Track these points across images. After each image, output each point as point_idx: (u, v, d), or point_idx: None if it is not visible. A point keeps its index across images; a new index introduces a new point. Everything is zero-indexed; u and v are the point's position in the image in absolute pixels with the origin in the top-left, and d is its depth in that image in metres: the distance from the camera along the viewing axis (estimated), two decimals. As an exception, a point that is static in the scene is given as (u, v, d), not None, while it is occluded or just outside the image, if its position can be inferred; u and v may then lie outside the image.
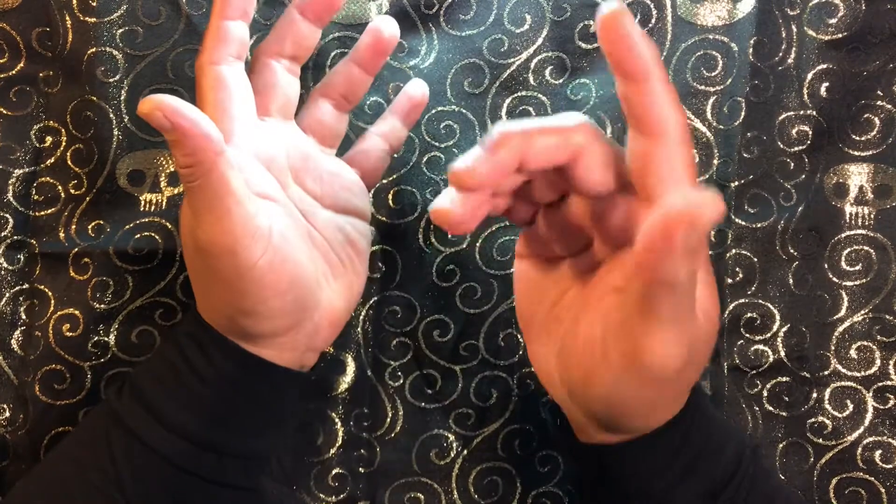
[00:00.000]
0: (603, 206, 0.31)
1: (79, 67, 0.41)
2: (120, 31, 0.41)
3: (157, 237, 0.41)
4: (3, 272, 0.42)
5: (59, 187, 0.42)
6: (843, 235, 0.41)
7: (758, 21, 0.41)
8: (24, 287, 0.42)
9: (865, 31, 0.41)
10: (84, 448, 0.35)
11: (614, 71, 0.29)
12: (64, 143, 0.42)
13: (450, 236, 0.42)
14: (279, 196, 0.35)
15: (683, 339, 0.28)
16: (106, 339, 0.41)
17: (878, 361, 0.41)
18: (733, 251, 0.41)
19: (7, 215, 0.42)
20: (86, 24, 0.41)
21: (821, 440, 0.41)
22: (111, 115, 0.41)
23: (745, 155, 0.41)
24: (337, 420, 0.42)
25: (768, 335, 0.41)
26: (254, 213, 0.32)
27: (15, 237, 0.42)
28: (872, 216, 0.41)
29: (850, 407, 0.41)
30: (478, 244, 0.42)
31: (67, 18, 0.41)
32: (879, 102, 0.41)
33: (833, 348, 0.41)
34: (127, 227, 0.41)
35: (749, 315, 0.41)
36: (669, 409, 0.31)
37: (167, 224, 0.41)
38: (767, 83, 0.41)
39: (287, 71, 0.36)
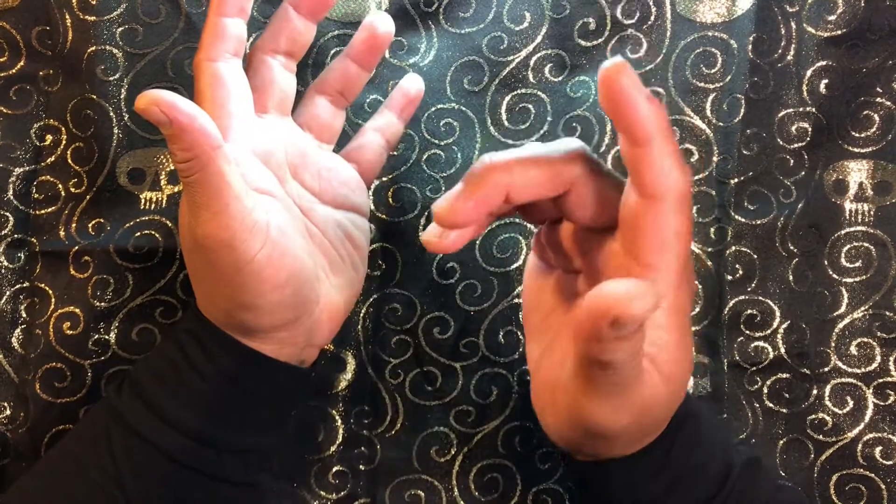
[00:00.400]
0: (591, 240, 0.31)
1: (79, 66, 0.41)
2: (120, 29, 0.41)
3: (157, 235, 0.41)
4: (3, 270, 0.42)
5: (60, 186, 0.42)
6: (842, 232, 0.41)
7: (757, 18, 0.41)
8: (24, 285, 0.42)
9: (864, 27, 0.41)
10: (84, 445, 0.35)
11: (617, 129, 0.28)
12: (64, 142, 0.42)
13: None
14: (277, 191, 0.35)
15: (626, 407, 0.28)
16: (106, 337, 0.41)
17: (878, 358, 0.41)
18: (733, 248, 0.41)
19: (7, 214, 0.42)
20: (86, 22, 0.41)
21: (821, 437, 0.41)
22: (111, 114, 0.41)
23: (744, 152, 0.41)
24: (337, 418, 0.42)
25: (768, 332, 0.41)
26: (251, 208, 0.32)
27: (15, 235, 0.42)
28: (872, 213, 0.41)
29: (851, 403, 0.41)
30: (478, 242, 0.42)
31: (67, 17, 0.41)
32: (879, 99, 0.41)
33: (833, 345, 0.41)
34: (127, 225, 0.41)
35: (749, 312, 0.41)
36: (637, 442, 0.31)
37: (167, 222, 0.42)
38: (767, 80, 0.41)
39: (283, 67, 0.37)
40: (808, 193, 0.42)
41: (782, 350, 0.41)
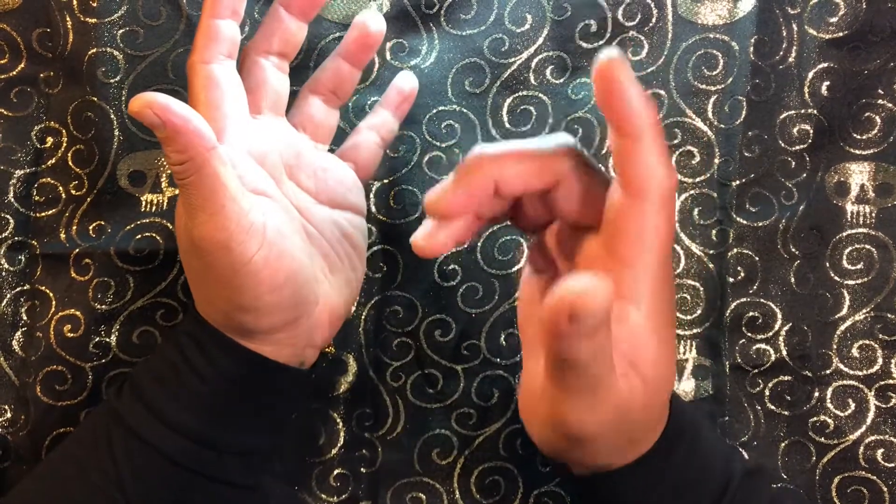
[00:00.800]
0: (579, 243, 0.31)
1: (79, 68, 0.41)
2: (120, 31, 0.41)
3: (158, 238, 0.41)
4: (4, 273, 0.42)
5: (60, 188, 0.42)
6: (844, 234, 0.41)
7: (758, 20, 0.41)
8: (25, 288, 0.42)
9: (866, 29, 0.41)
10: (85, 448, 0.35)
11: (608, 122, 0.28)
12: (65, 144, 0.42)
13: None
14: (273, 192, 0.35)
15: (600, 408, 0.28)
16: (107, 339, 0.41)
17: (879, 360, 0.41)
18: (735, 250, 0.41)
19: (8, 216, 0.42)
20: (86, 24, 0.41)
21: (823, 439, 0.41)
22: (112, 116, 0.41)
23: (746, 154, 0.41)
24: (338, 420, 0.42)
25: (770, 334, 0.41)
26: (248, 209, 0.32)
27: (16, 238, 0.42)
28: (874, 215, 0.41)
29: (852, 406, 0.41)
30: (479, 244, 0.42)
31: (68, 19, 0.41)
32: (880, 101, 0.41)
33: (835, 347, 0.41)
34: (128, 227, 0.41)
35: (751, 314, 0.41)
36: (625, 449, 0.31)
37: (168, 224, 0.41)
38: (768, 82, 0.41)
39: (276, 68, 0.37)
40: (810, 195, 0.42)
41: (784, 352, 0.41)
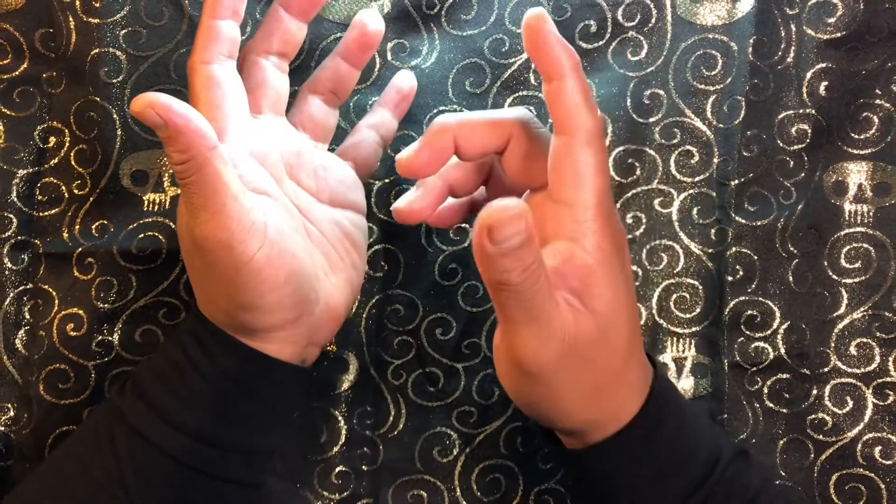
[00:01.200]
0: (540, 206, 0.33)
1: (82, 68, 0.41)
2: (123, 31, 0.42)
3: (160, 237, 0.42)
4: (7, 272, 0.42)
5: (63, 187, 0.42)
6: (842, 233, 0.42)
7: (757, 20, 0.41)
8: (28, 287, 0.42)
9: (864, 30, 0.41)
10: (88, 446, 0.35)
11: (537, 68, 0.32)
12: (67, 144, 0.42)
13: (451, 235, 0.43)
14: (274, 191, 0.35)
15: (547, 336, 0.30)
16: (110, 338, 0.41)
17: (877, 358, 0.41)
18: (733, 249, 0.41)
19: (11, 215, 0.42)
20: (89, 25, 0.41)
21: (821, 437, 0.41)
22: (114, 116, 0.41)
23: (744, 153, 0.42)
24: (340, 418, 0.42)
25: (768, 332, 0.41)
26: (249, 208, 0.32)
27: (19, 237, 0.42)
28: (871, 214, 0.42)
29: (850, 403, 0.41)
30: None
31: (71, 19, 0.41)
32: (878, 101, 0.42)
33: (833, 345, 0.41)
34: (130, 226, 0.42)
35: (749, 312, 0.41)
36: (593, 395, 0.32)
37: (170, 224, 0.42)
38: (767, 82, 0.42)
39: (276, 68, 0.37)
40: (808, 195, 0.42)
41: (782, 350, 0.41)
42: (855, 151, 0.42)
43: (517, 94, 0.43)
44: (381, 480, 0.42)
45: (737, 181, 0.41)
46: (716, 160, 0.42)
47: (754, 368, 0.41)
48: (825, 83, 0.42)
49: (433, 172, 0.34)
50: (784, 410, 0.41)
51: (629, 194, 0.42)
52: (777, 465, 0.41)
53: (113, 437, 0.34)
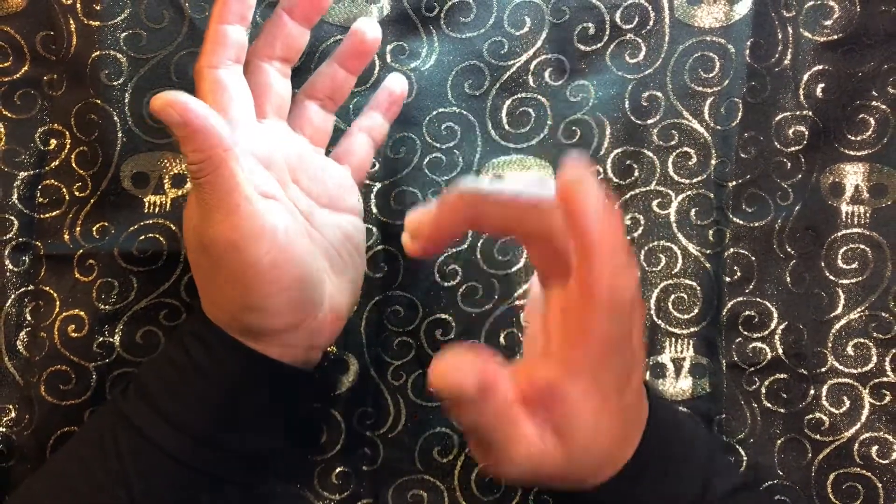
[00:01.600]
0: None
1: (83, 71, 0.42)
2: (124, 34, 0.42)
3: (161, 239, 0.42)
4: (8, 274, 0.42)
5: (64, 189, 0.42)
6: (839, 234, 0.42)
7: (754, 23, 0.42)
8: (29, 288, 0.42)
9: (860, 32, 0.41)
10: (90, 447, 0.35)
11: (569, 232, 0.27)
12: (68, 146, 0.43)
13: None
14: (280, 195, 0.35)
15: (514, 461, 0.29)
16: (111, 339, 0.41)
17: (874, 358, 0.41)
18: (731, 250, 0.42)
19: (12, 217, 0.42)
20: (90, 27, 0.41)
21: (818, 436, 0.41)
22: (115, 118, 0.42)
23: (742, 155, 0.42)
24: (340, 419, 0.42)
25: (766, 333, 0.41)
26: (260, 211, 0.32)
27: (20, 239, 0.42)
28: (868, 215, 0.42)
29: (847, 403, 0.41)
30: (479, 244, 0.42)
31: (71, 22, 0.42)
32: (874, 103, 0.42)
33: (830, 345, 0.41)
34: (131, 228, 0.42)
35: (747, 313, 0.42)
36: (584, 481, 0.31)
37: (171, 226, 0.42)
38: (764, 84, 0.42)
39: (279, 73, 0.37)
40: (805, 196, 0.42)
41: (780, 351, 0.41)
42: (852, 153, 0.42)
43: (516, 96, 0.43)
44: (381, 480, 0.42)
45: (734, 183, 0.42)
46: (713, 162, 0.42)
47: (752, 369, 0.41)
48: (822, 85, 0.42)
49: (441, 245, 0.31)
50: (782, 410, 0.41)
51: (627, 196, 0.42)
52: (775, 465, 0.41)
53: (115, 438, 0.34)
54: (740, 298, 0.42)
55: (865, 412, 0.41)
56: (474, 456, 0.30)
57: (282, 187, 0.36)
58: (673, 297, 0.42)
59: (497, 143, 0.43)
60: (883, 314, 0.41)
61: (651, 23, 0.43)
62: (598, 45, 0.43)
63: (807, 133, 0.42)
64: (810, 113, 0.42)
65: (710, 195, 0.42)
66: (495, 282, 0.42)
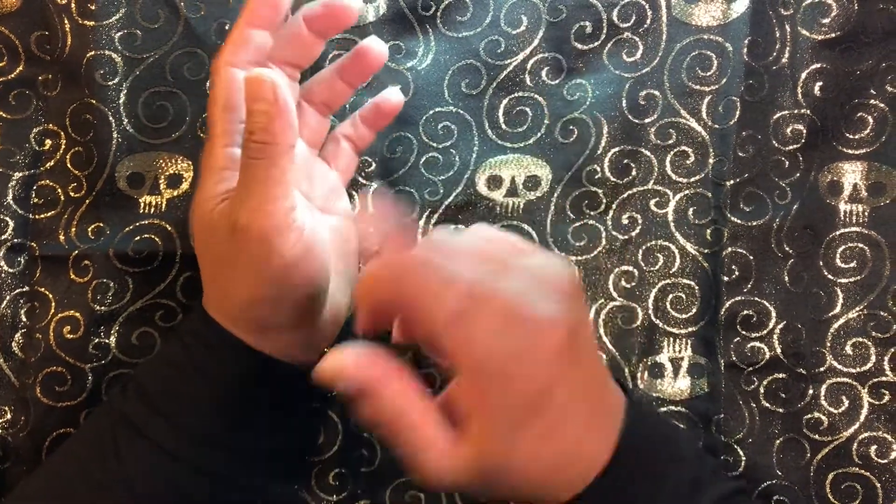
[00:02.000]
0: None
1: (78, 71, 0.42)
2: (118, 34, 0.42)
3: (156, 239, 0.42)
4: (3, 275, 0.42)
5: (59, 190, 0.42)
6: (837, 233, 0.42)
7: (752, 21, 0.41)
8: (24, 290, 0.42)
9: (858, 30, 0.41)
10: (89, 447, 0.35)
11: None
12: (63, 146, 0.42)
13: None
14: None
15: (434, 467, 0.29)
16: (107, 340, 0.41)
17: (873, 357, 0.41)
18: (729, 249, 0.42)
19: (7, 218, 0.42)
20: (84, 27, 0.41)
21: (817, 436, 0.41)
22: (110, 118, 0.41)
23: (740, 154, 0.42)
24: (337, 420, 0.42)
25: (764, 332, 0.41)
26: (295, 207, 0.33)
27: (15, 240, 0.42)
28: (866, 214, 0.42)
29: (846, 403, 0.41)
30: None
31: (66, 22, 0.41)
32: (872, 101, 0.42)
33: (828, 345, 0.41)
34: (127, 229, 0.42)
35: (745, 312, 0.41)
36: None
37: (167, 226, 0.42)
38: (762, 82, 0.42)
39: (289, 77, 0.37)
40: (803, 195, 0.42)
41: (778, 350, 0.41)
42: (850, 151, 0.42)
43: (513, 96, 0.43)
44: (379, 482, 0.42)
45: (732, 181, 0.42)
46: (711, 161, 0.42)
47: (750, 368, 0.41)
48: (820, 83, 0.42)
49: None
50: (780, 410, 0.41)
51: (625, 195, 0.42)
52: (773, 465, 0.41)
53: (115, 439, 0.34)
54: (738, 298, 0.42)
55: (864, 412, 0.41)
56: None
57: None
58: (671, 296, 0.42)
59: (494, 142, 0.43)
60: (882, 313, 0.41)
61: (648, 21, 0.42)
62: (596, 43, 0.43)
63: (805, 131, 0.42)
64: (808, 111, 0.42)
65: (707, 194, 0.42)
66: (492, 282, 0.42)
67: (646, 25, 0.42)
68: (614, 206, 0.42)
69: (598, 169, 0.42)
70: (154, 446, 0.33)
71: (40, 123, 0.43)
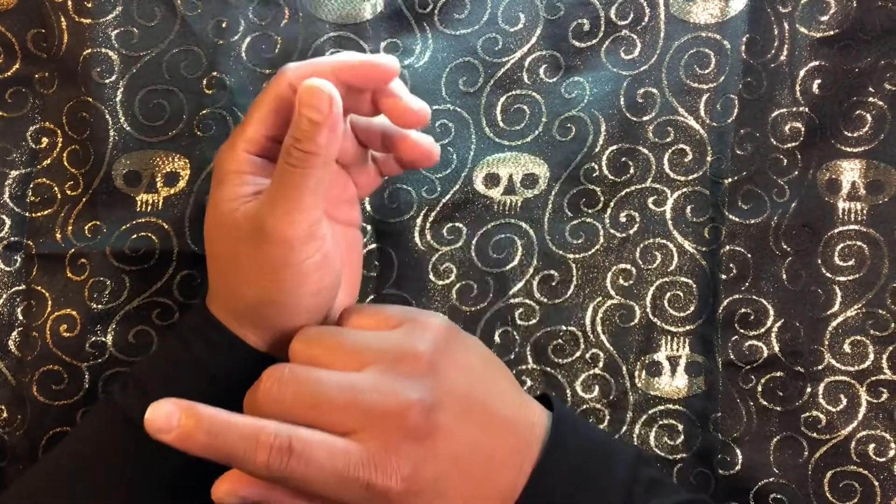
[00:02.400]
0: None
1: (74, 68, 0.41)
2: (115, 32, 0.41)
3: (153, 237, 0.41)
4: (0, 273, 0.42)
5: (56, 188, 0.42)
6: (835, 231, 0.42)
7: (750, 19, 0.41)
8: (20, 288, 0.42)
9: (857, 28, 0.41)
10: (88, 444, 0.35)
11: None
12: (60, 144, 0.42)
13: (445, 234, 0.42)
14: None
15: None
16: (103, 339, 0.41)
17: (871, 356, 0.41)
18: (727, 247, 0.41)
19: (3, 216, 0.42)
20: (81, 25, 0.41)
21: (815, 434, 0.41)
22: (107, 116, 0.41)
23: (738, 152, 0.42)
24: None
25: (762, 330, 0.41)
26: (321, 219, 0.33)
27: (12, 238, 0.42)
28: (865, 212, 0.42)
29: (844, 401, 0.41)
30: (473, 242, 0.42)
31: (62, 20, 0.41)
32: (871, 99, 0.42)
33: (826, 343, 0.41)
34: (123, 227, 0.42)
35: (743, 311, 0.41)
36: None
37: (163, 224, 0.42)
38: (760, 80, 0.42)
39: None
40: (802, 193, 0.42)
41: (776, 348, 0.41)
42: (848, 149, 0.42)
43: (511, 93, 0.43)
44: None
45: (730, 179, 0.42)
46: (709, 158, 0.42)
47: (748, 366, 0.41)
48: (818, 81, 0.42)
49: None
50: (778, 408, 0.41)
51: (623, 193, 0.42)
52: (771, 463, 0.41)
53: (114, 436, 0.34)
54: (736, 296, 0.41)
55: (862, 410, 0.41)
56: None
57: None
58: (669, 294, 0.42)
59: (491, 140, 0.43)
60: (880, 311, 0.41)
61: (646, 19, 0.42)
62: (593, 41, 0.43)
63: (803, 129, 0.42)
64: (806, 109, 0.42)
65: (705, 192, 0.42)
66: (490, 280, 0.42)
67: (644, 23, 0.42)
68: (612, 204, 0.42)
69: (596, 167, 0.42)
70: (153, 442, 0.33)
71: (37, 121, 0.42)
